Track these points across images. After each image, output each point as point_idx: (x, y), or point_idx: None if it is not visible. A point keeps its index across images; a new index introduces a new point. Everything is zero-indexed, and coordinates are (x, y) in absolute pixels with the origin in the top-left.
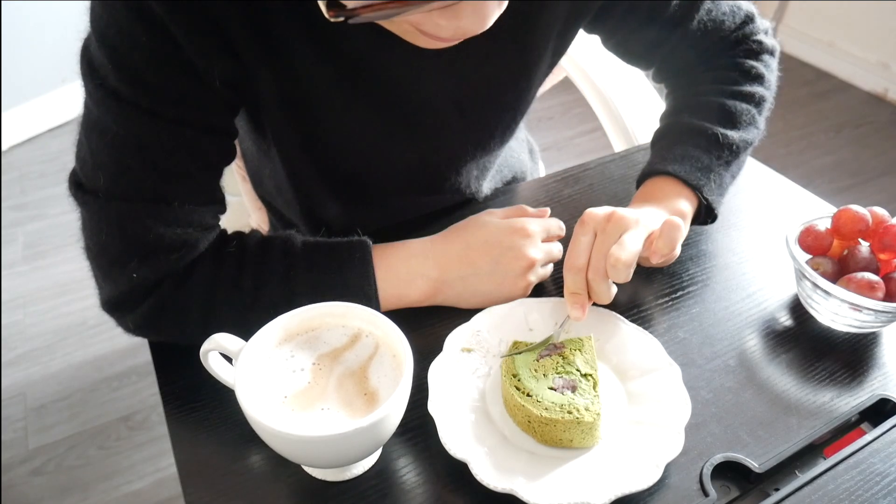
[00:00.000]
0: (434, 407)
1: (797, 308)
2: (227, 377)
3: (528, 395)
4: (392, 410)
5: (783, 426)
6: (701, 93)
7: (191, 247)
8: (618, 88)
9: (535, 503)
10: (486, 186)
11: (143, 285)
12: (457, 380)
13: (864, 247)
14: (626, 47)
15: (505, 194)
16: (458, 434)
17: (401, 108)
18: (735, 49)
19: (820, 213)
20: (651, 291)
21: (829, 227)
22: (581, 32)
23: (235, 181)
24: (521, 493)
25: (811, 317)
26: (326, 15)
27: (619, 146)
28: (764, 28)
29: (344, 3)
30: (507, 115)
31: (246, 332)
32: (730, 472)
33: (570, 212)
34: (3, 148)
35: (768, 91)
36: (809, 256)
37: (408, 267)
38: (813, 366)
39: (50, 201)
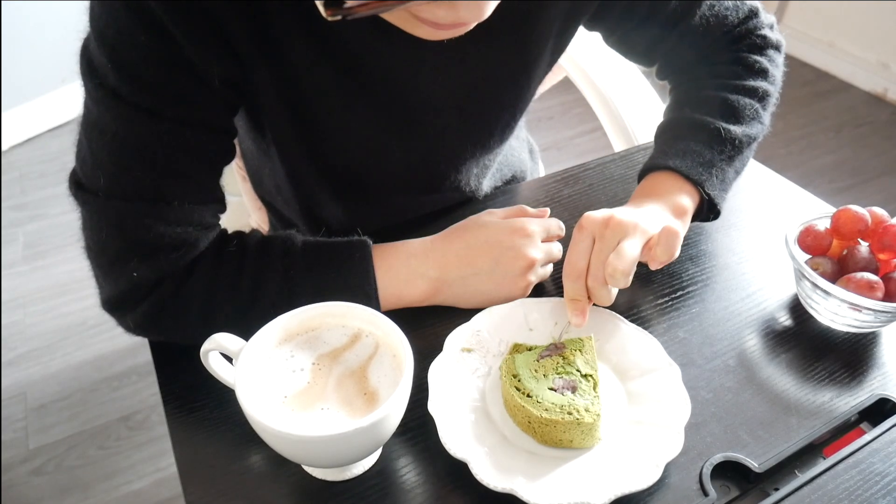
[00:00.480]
0: (434, 407)
1: (797, 308)
2: (227, 377)
3: (528, 395)
4: (392, 410)
5: (783, 426)
6: (703, 87)
7: (191, 246)
8: (618, 88)
9: (535, 503)
10: (486, 185)
11: (144, 284)
12: (457, 380)
13: (864, 247)
14: (627, 44)
15: (505, 194)
16: (457, 434)
17: (400, 107)
18: (738, 44)
19: (819, 213)
20: (651, 291)
21: (828, 227)
22: (581, 31)
23: (235, 181)
24: (520, 493)
25: (811, 317)
26: (324, 14)
27: (619, 146)
28: (768, 23)
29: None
30: (506, 113)
31: (246, 332)
32: (729, 471)
33: (569, 212)
34: (3, 148)
35: (773, 86)
36: (809, 256)
37: (408, 267)
38: (812, 366)
39: (50, 201)
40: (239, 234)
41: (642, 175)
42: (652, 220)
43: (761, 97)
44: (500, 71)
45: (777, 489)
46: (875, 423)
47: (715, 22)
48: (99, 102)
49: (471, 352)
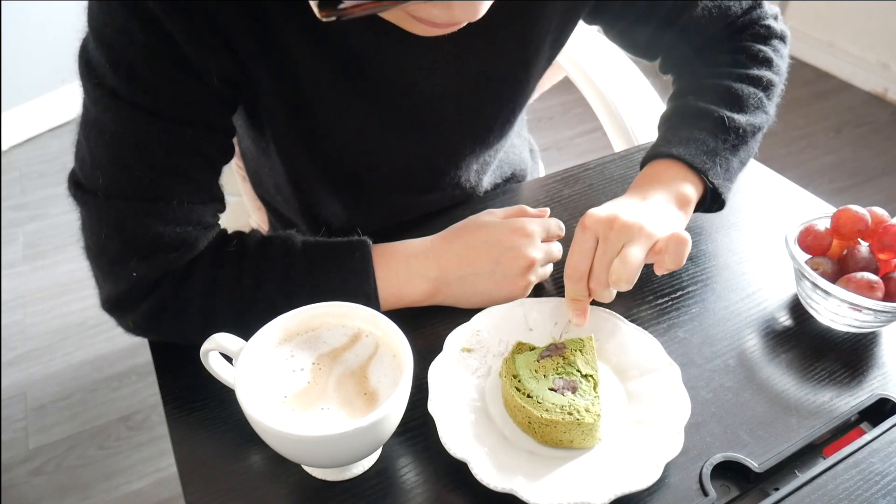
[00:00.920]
0: (434, 407)
1: (797, 308)
2: (227, 377)
3: (528, 395)
4: (392, 410)
5: (783, 426)
6: (707, 76)
7: (190, 245)
8: (618, 88)
9: (535, 503)
10: (487, 182)
11: (143, 284)
12: (457, 380)
13: (864, 247)
14: (629, 38)
15: (505, 194)
16: (457, 434)
17: (399, 104)
18: (742, 34)
19: (819, 213)
20: (651, 291)
21: (828, 227)
22: (582, 31)
23: (235, 181)
24: (520, 493)
25: (811, 317)
26: (318, 15)
27: (619, 146)
28: (772, 13)
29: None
30: (505, 108)
31: (246, 332)
32: (729, 471)
33: (570, 212)
34: (3, 148)
35: (777, 76)
36: (809, 256)
37: (407, 267)
38: (812, 366)
39: (50, 201)
40: (239, 235)
41: (645, 163)
42: (657, 221)
43: (765, 86)
44: (498, 66)
45: (777, 489)
46: (875, 423)
47: (718, 13)
48: (97, 102)
49: (471, 352)
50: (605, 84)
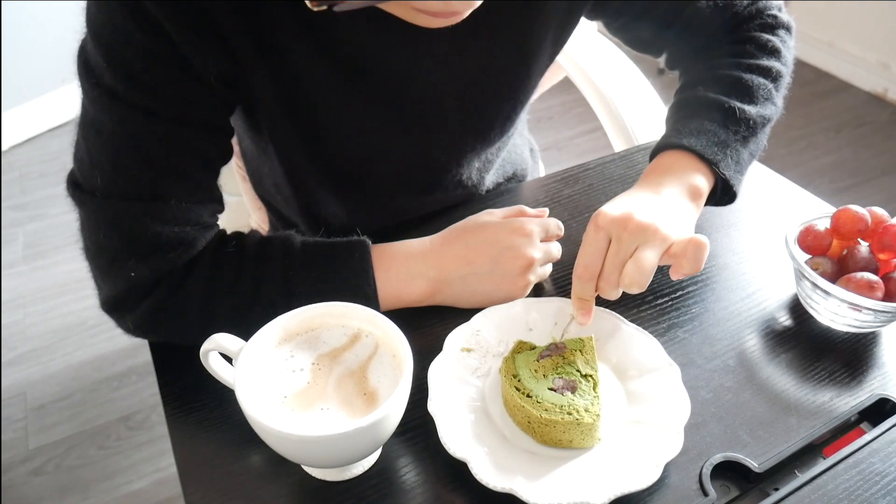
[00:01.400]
0: (434, 407)
1: (797, 308)
2: (227, 377)
3: (527, 395)
4: (392, 410)
5: (783, 426)
6: (716, 67)
7: (188, 245)
8: (618, 88)
9: (535, 503)
10: (489, 181)
11: (142, 284)
12: (457, 380)
13: (864, 247)
14: (632, 33)
15: (505, 194)
16: (457, 434)
17: (399, 101)
18: (749, 23)
19: (819, 213)
20: (651, 291)
21: (828, 227)
22: (582, 30)
23: (235, 181)
24: (520, 493)
25: (811, 317)
26: (309, 5)
27: (619, 146)
28: (777, 4)
29: None
30: (506, 105)
31: (245, 332)
32: (729, 471)
33: (569, 212)
34: (3, 148)
35: (785, 67)
36: (809, 256)
37: (407, 267)
38: (812, 366)
39: (50, 201)
40: (238, 235)
41: (655, 153)
42: (671, 221)
43: (774, 77)
44: (499, 62)
45: (777, 489)
46: (875, 423)
47: (723, 3)
48: (95, 102)
49: (470, 352)
50: (605, 84)
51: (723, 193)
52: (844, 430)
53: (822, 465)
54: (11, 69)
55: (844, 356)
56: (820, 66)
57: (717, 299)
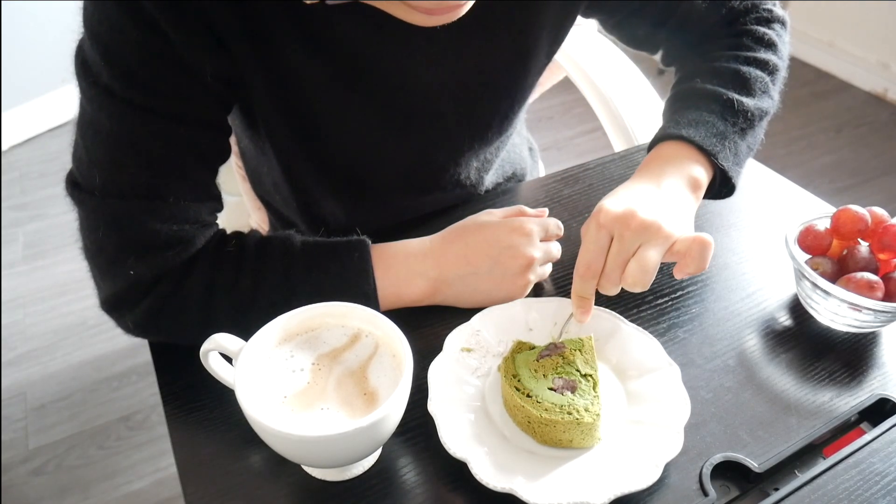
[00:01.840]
0: (434, 407)
1: (797, 308)
2: (227, 377)
3: (527, 395)
4: (392, 410)
5: (783, 426)
6: (714, 59)
7: (187, 243)
8: (618, 88)
9: (535, 503)
10: (489, 180)
11: (141, 283)
12: (457, 380)
13: (864, 247)
14: (628, 29)
15: (505, 194)
16: (457, 434)
17: (396, 100)
18: (745, 17)
19: (819, 213)
20: (651, 291)
21: (828, 227)
22: (581, 30)
23: (235, 181)
24: (520, 493)
25: (811, 317)
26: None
27: (619, 146)
28: None
29: None
30: (504, 104)
31: (245, 332)
32: (729, 471)
33: (569, 212)
34: (3, 148)
35: (781, 61)
36: (809, 256)
37: (406, 266)
38: (812, 366)
39: (50, 201)
40: (238, 235)
41: (653, 144)
42: (674, 218)
43: (771, 71)
44: (495, 61)
45: (777, 489)
46: (875, 423)
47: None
48: (93, 101)
49: (470, 352)
50: (605, 84)
51: (721, 185)
52: (844, 430)
53: (822, 465)
54: (11, 69)
55: (844, 356)
56: (820, 66)
57: (717, 299)
